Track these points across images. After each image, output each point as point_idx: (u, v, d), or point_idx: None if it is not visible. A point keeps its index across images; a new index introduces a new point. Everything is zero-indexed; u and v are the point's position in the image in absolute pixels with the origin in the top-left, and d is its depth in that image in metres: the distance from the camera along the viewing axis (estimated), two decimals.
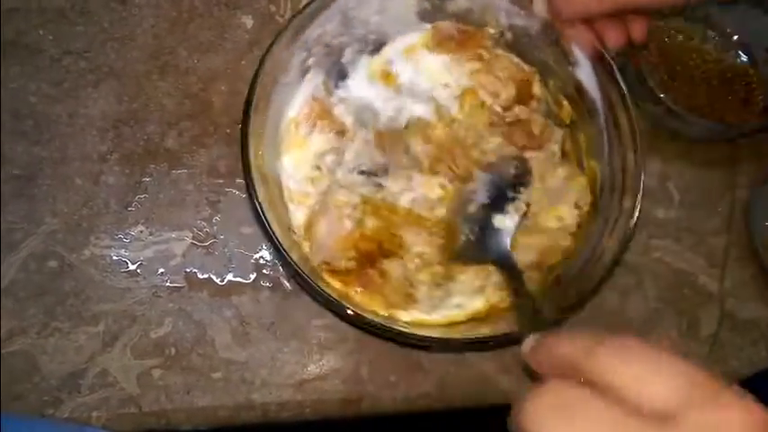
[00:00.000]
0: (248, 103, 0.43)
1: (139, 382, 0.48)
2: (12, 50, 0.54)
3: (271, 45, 0.45)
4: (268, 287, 0.51)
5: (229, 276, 0.51)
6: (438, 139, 0.48)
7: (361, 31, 0.50)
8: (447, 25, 0.51)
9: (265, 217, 0.40)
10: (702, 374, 0.23)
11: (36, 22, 0.55)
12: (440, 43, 0.51)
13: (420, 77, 0.51)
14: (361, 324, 0.41)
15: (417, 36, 0.52)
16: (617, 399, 0.23)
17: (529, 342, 0.30)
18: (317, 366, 0.49)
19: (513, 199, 0.44)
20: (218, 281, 0.51)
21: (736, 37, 0.59)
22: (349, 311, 0.40)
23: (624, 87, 0.45)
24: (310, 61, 0.49)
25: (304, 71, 0.49)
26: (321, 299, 0.41)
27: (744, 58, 0.59)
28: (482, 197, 0.45)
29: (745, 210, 0.55)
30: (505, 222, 0.43)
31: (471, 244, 0.44)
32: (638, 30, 0.45)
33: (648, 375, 0.23)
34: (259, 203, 0.41)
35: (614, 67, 0.45)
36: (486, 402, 0.50)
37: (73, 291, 0.49)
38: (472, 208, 0.44)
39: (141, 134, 0.53)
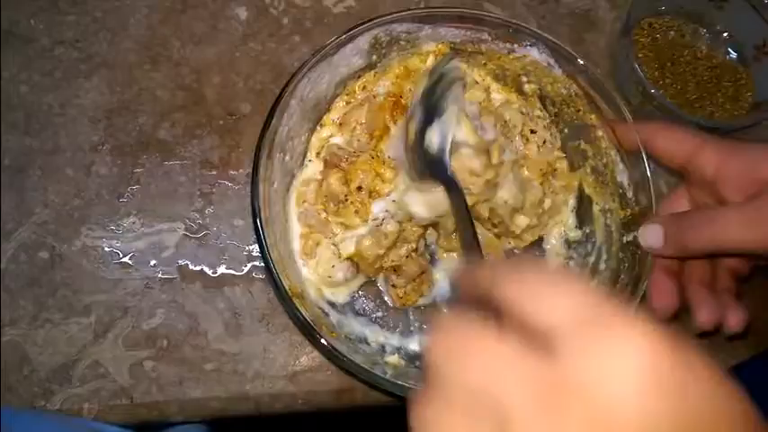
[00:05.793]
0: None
1: (131, 373, 0.48)
2: (3, 40, 0.53)
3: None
4: (260, 279, 0.51)
5: (222, 268, 0.51)
6: None
7: None
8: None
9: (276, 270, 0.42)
10: (596, 296, 0.22)
11: (28, 12, 0.54)
12: None
13: None
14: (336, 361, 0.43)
15: None
16: (515, 323, 0.23)
17: (460, 270, 0.31)
18: (309, 358, 0.49)
19: (443, 114, 0.45)
20: (210, 272, 0.50)
21: (726, 34, 0.59)
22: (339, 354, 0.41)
23: None
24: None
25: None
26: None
27: (734, 55, 0.60)
28: (419, 118, 0.45)
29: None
30: (434, 143, 0.44)
31: (419, 169, 0.45)
32: (736, 320, 0.43)
33: (536, 297, 0.22)
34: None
35: None
36: None
37: (64, 282, 0.49)
38: (411, 134, 0.45)
39: (133, 125, 0.53)
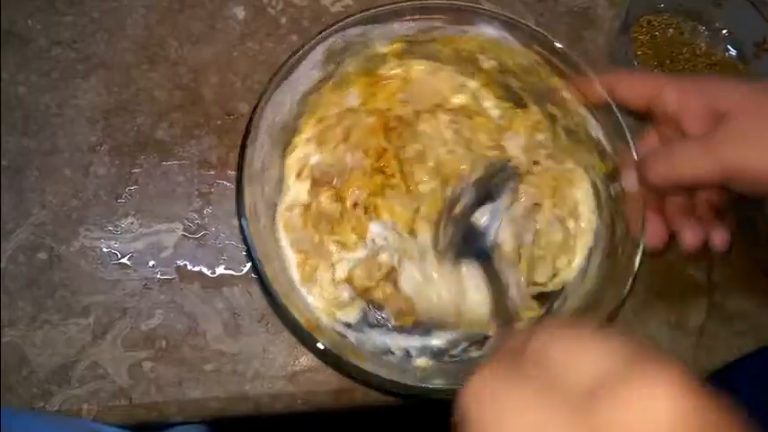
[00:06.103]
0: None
1: (130, 374, 0.47)
2: (3, 40, 0.53)
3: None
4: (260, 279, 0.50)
5: (221, 268, 0.50)
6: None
7: None
8: None
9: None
10: (632, 350, 0.23)
11: (25, 12, 0.54)
12: None
13: None
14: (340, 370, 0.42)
15: None
16: (552, 377, 0.23)
17: (497, 339, 0.32)
18: (308, 358, 0.49)
19: (496, 199, 0.46)
20: (209, 273, 0.50)
21: (725, 31, 0.59)
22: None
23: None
24: None
25: None
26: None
27: (733, 52, 0.59)
28: (469, 198, 0.46)
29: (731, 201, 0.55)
30: (482, 220, 0.45)
31: (455, 242, 0.45)
32: (720, 239, 0.43)
33: (574, 352, 0.24)
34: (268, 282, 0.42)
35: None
36: None
37: (62, 282, 0.49)
38: (458, 208, 0.46)
39: (131, 125, 0.53)
